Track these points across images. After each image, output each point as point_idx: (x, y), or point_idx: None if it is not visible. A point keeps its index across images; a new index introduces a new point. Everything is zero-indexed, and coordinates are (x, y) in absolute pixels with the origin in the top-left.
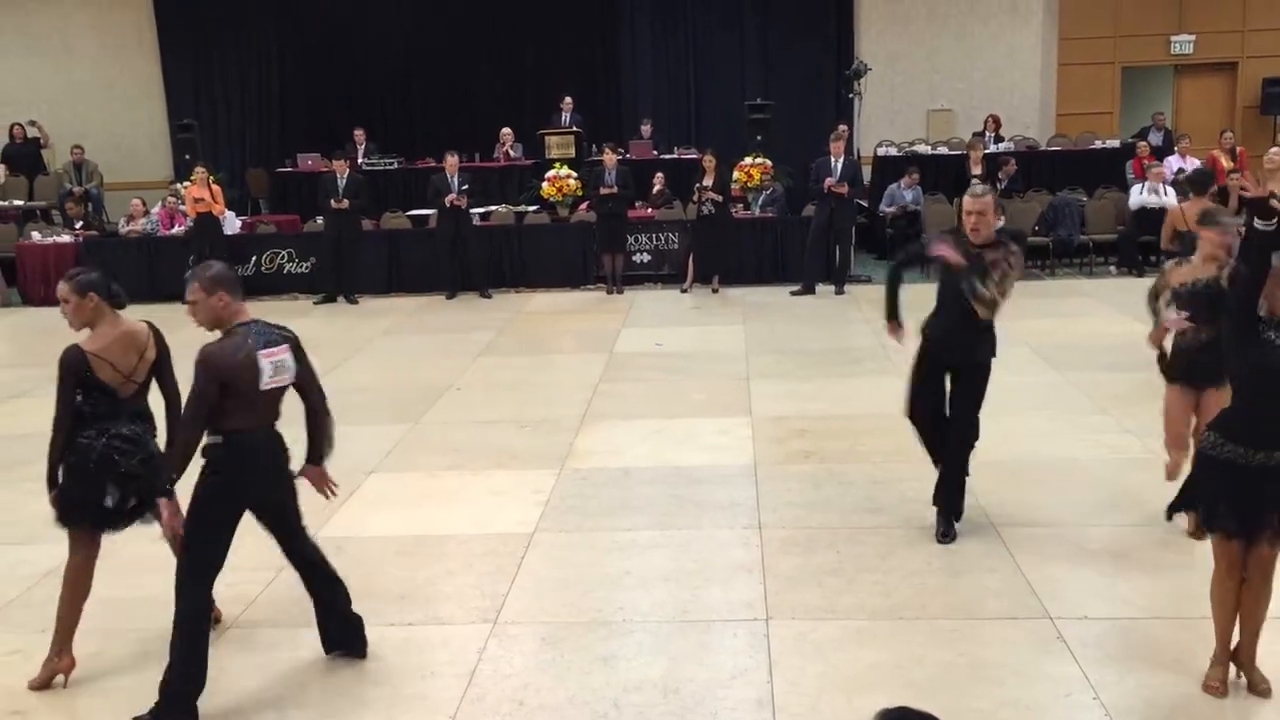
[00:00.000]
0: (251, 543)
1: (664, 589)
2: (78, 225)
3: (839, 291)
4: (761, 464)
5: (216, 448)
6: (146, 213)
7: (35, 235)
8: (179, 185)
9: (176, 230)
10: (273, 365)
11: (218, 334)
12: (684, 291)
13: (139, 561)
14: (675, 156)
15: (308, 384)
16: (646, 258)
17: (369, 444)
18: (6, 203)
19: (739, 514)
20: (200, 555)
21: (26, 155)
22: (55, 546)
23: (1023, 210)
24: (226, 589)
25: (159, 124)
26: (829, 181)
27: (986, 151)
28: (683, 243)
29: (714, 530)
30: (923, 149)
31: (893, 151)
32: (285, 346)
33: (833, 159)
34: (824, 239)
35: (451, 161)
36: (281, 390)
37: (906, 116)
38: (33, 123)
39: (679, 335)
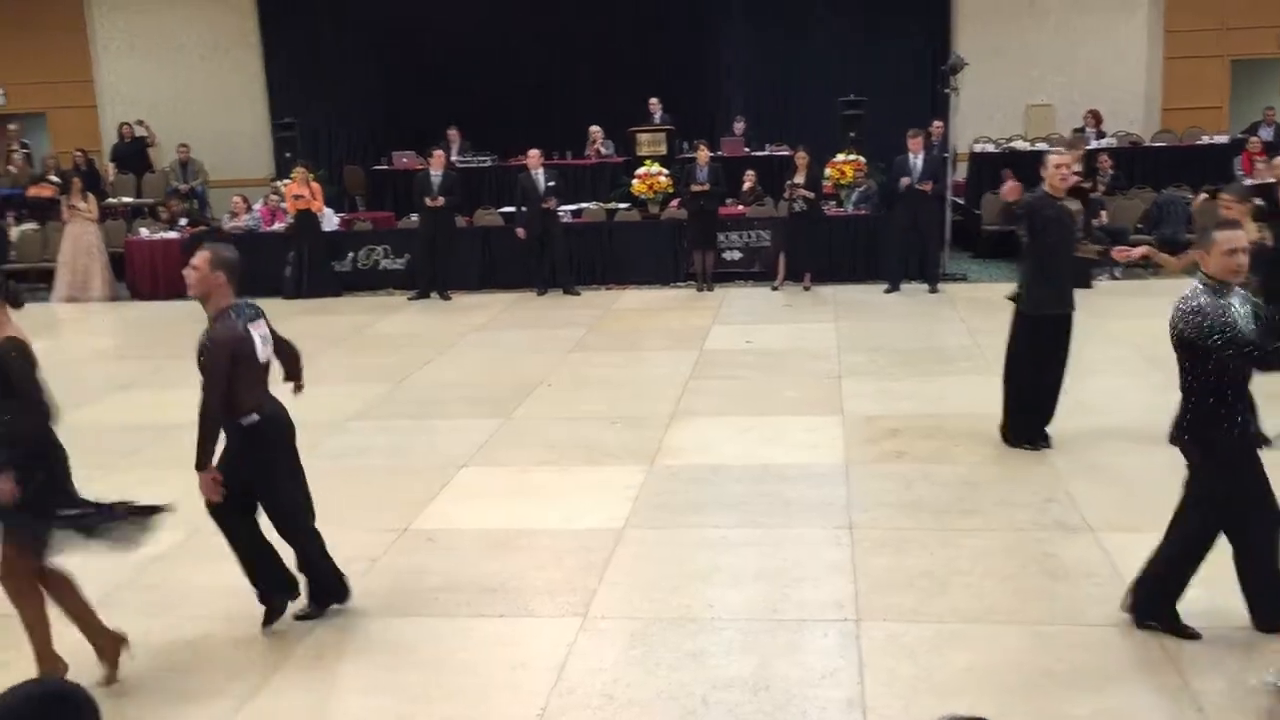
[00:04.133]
0: (348, 535)
1: (754, 587)
2: (181, 222)
3: (932, 290)
4: (852, 463)
5: (257, 426)
6: (248, 209)
7: (143, 232)
8: (279, 183)
9: (277, 226)
10: (260, 337)
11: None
12: (775, 289)
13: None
14: (767, 153)
15: (279, 341)
16: (737, 255)
17: (461, 438)
18: (116, 200)
19: (829, 513)
20: (297, 506)
21: (135, 154)
22: (163, 532)
23: (1125, 207)
24: None
25: (261, 123)
26: (905, 180)
27: (1089, 148)
28: (774, 240)
29: (804, 529)
30: (1021, 145)
31: (990, 148)
32: (262, 320)
33: (912, 156)
34: (906, 237)
35: (534, 156)
36: (269, 363)
37: (1004, 112)
38: (140, 122)
39: (770, 333)
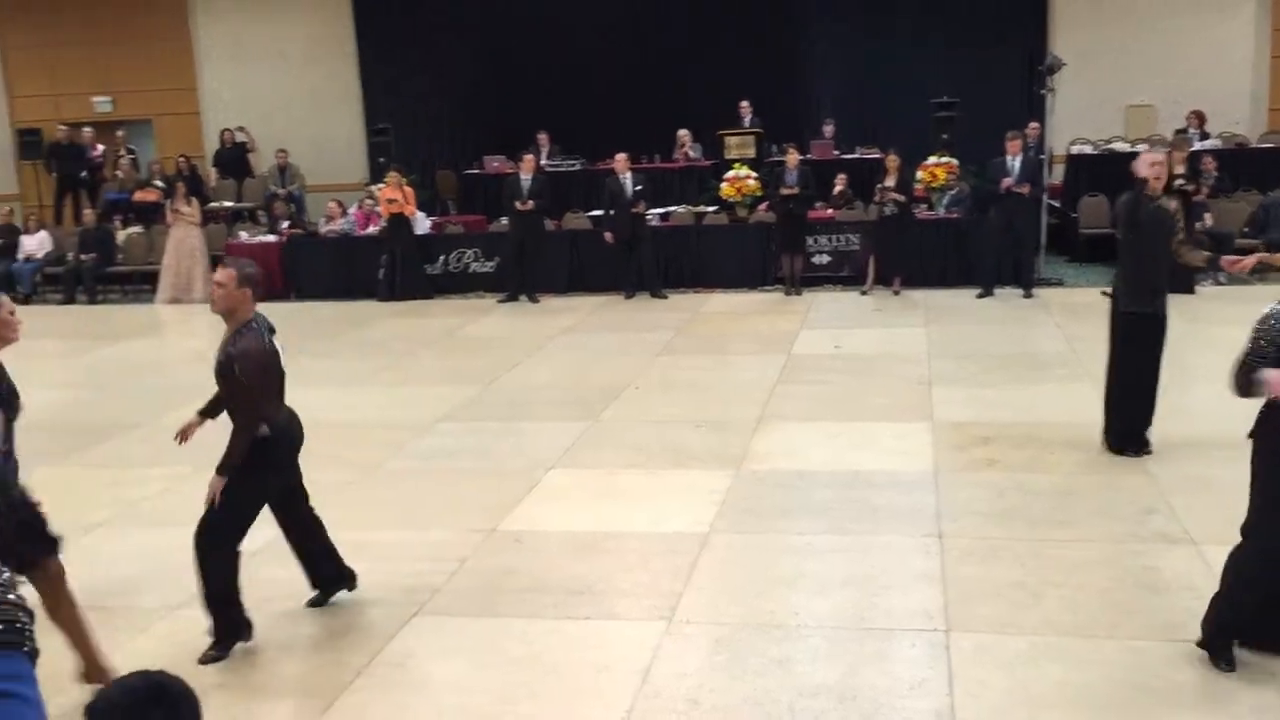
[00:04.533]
0: (437, 535)
1: (841, 594)
2: (282, 225)
3: (1027, 295)
4: (942, 470)
5: (266, 441)
6: (343, 213)
7: (243, 235)
8: (374, 187)
9: (371, 230)
10: (280, 348)
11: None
12: (864, 293)
13: None
14: (857, 156)
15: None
16: (826, 259)
17: (549, 440)
18: (217, 204)
19: (919, 521)
20: (237, 526)
21: (235, 159)
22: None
23: (1230, 210)
24: (414, 578)
25: (356, 129)
26: (1006, 182)
27: (1191, 149)
28: (864, 244)
29: (892, 536)
30: (1120, 146)
31: (1088, 150)
32: (274, 332)
33: (1009, 158)
34: (1001, 241)
35: (622, 160)
36: (284, 375)
37: (1103, 113)
38: (241, 129)
39: (859, 337)
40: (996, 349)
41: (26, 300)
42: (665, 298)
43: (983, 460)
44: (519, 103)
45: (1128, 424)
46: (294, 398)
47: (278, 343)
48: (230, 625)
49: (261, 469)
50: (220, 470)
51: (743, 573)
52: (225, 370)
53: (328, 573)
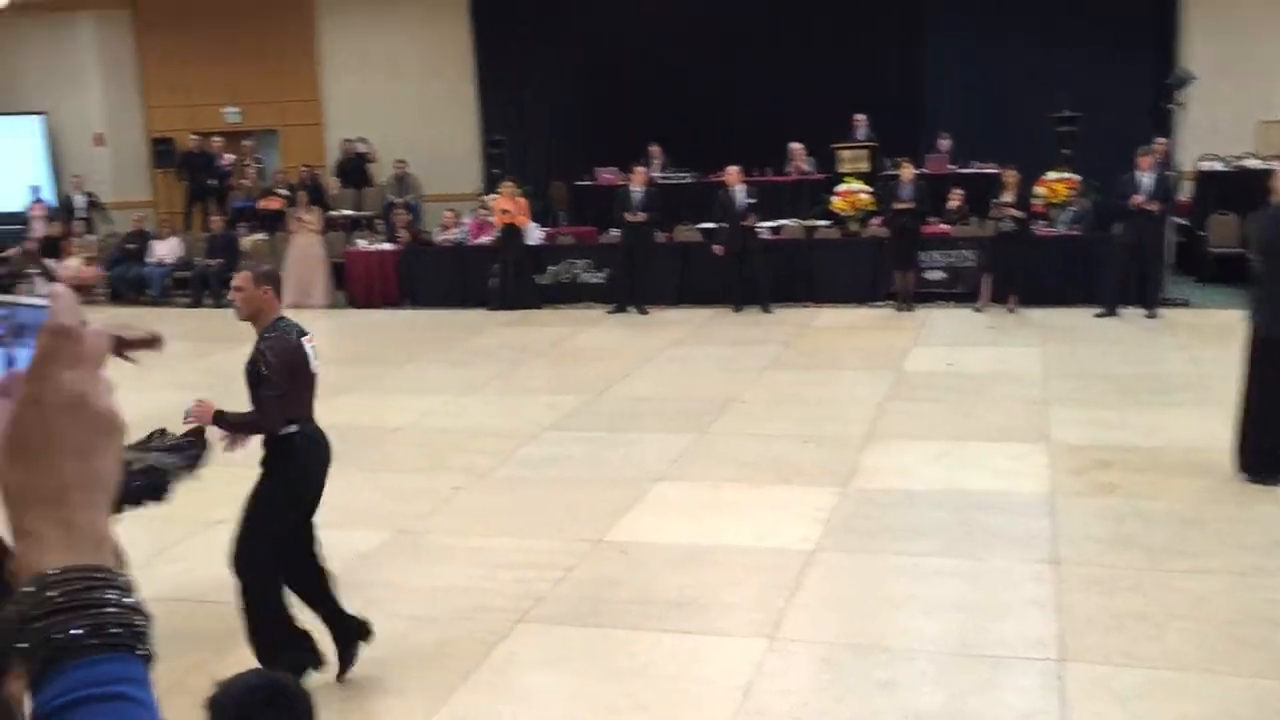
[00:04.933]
0: (543, 543)
1: (950, 618)
2: (399, 234)
3: (1150, 315)
4: (1058, 494)
5: (292, 438)
6: (458, 223)
7: (361, 243)
8: (488, 197)
9: (484, 240)
10: (312, 349)
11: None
12: (978, 310)
13: None
14: (974, 170)
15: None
16: (940, 275)
17: (655, 452)
18: (338, 213)
19: (1032, 545)
20: (275, 539)
21: (356, 169)
22: (372, 532)
23: None
24: (521, 585)
25: (472, 140)
26: (1137, 198)
27: None
28: (979, 260)
29: (1005, 561)
30: (1252, 163)
31: (1218, 166)
32: (311, 335)
33: (1140, 174)
34: (1130, 258)
35: (733, 173)
36: (316, 377)
37: (1233, 128)
38: (362, 139)
39: (972, 356)
40: (1118, 370)
41: (156, 303)
42: (775, 312)
43: (1102, 485)
44: (631, 115)
45: (1263, 452)
46: (408, 404)
47: (309, 346)
48: (291, 661)
49: (291, 476)
50: (219, 418)
51: (848, 592)
52: (252, 369)
53: (344, 634)
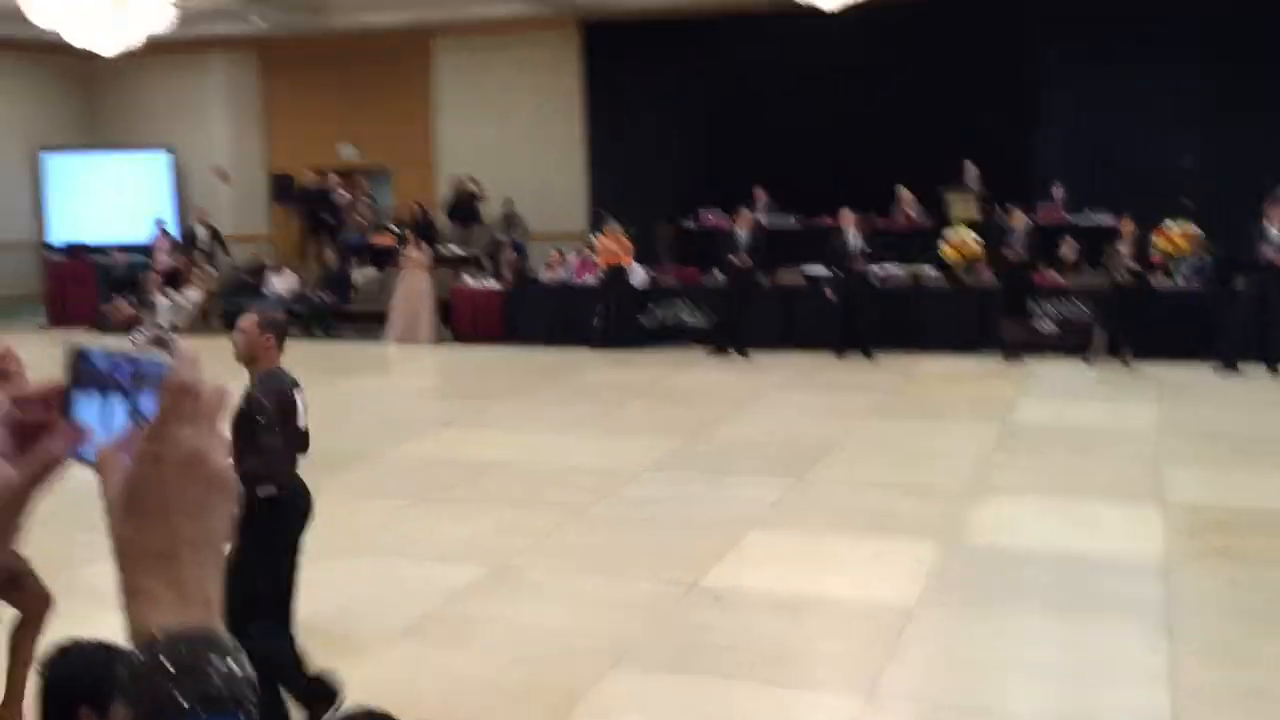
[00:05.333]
0: (637, 585)
1: (1054, 684)
2: (506, 272)
3: (1274, 371)
4: (1172, 557)
5: (275, 500)
6: (563, 262)
7: (468, 280)
8: (593, 237)
9: (588, 279)
10: (302, 403)
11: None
12: (1090, 364)
13: None
14: (1089, 220)
15: None
16: (1051, 326)
17: (753, 496)
18: (446, 250)
19: (1145, 611)
20: (264, 602)
21: (465, 207)
22: (469, 566)
23: None
24: (615, 626)
25: (579, 180)
26: (1267, 251)
27: None
28: (1092, 312)
29: (1114, 626)
30: None
31: None
32: (302, 389)
33: (1268, 225)
34: (1254, 312)
35: (847, 216)
36: (306, 434)
37: None
38: (472, 179)
39: (1083, 410)
40: (1238, 429)
41: None
42: (878, 358)
43: (1218, 549)
44: (738, 157)
45: None
46: (509, 439)
47: (301, 400)
48: (310, 695)
49: (271, 531)
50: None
51: (949, 651)
52: (246, 419)
53: (315, 692)
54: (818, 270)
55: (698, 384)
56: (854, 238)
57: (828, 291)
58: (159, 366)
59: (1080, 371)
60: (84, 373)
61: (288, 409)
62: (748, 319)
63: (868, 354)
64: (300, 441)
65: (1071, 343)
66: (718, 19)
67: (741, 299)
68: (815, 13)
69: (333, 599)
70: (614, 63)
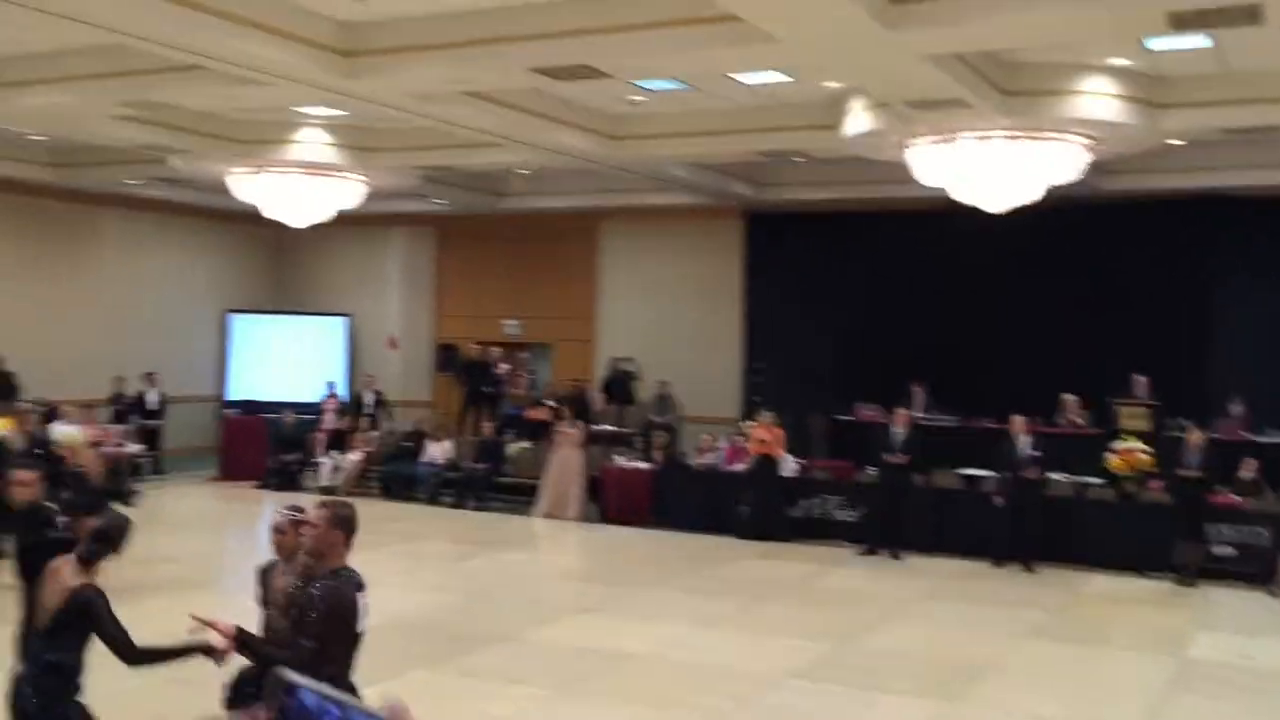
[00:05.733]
0: None
1: None
2: (656, 454)
3: None
4: None
5: None
6: (714, 447)
7: (619, 460)
8: (745, 424)
9: (738, 466)
10: (363, 607)
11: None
12: (1274, 595)
13: None
14: (1271, 440)
15: None
16: (1229, 550)
17: (899, 716)
18: (600, 427)
19: None
20: None
21: (621, 386)
22: None
23: None
24: None
25: (735, 366)
26: None
27: None
28: (1275, 538)
29: None
30: None
31: None
32: (367, 590)
33: None
34: None
35: (1019, 422)
36: (361, 637)
37: None
38: (629, 359)
39: (1268, 648)
40: None
41: (424, 501)
42: (1034, 572)
43: None
44: (896, 352)
45: None
46: (648, 630)
47: (364, 602)
48: None
49: None
50: (241, 641)
51: None
52: (298, 608)
53: None
54: (977, 473)
55: (846, 585)
56: (1025, 443)
57: (995, 498)
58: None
59: (1263, 603)
60: (291, 709)
61: (348, 614)
62: (901, 519)
63: (1028, 567)
64: (355, 643)
65: (1251, 570)
66: (880, 212)
67: (895, 498)
68: (980, 213)
69: None
70: (775, 252)
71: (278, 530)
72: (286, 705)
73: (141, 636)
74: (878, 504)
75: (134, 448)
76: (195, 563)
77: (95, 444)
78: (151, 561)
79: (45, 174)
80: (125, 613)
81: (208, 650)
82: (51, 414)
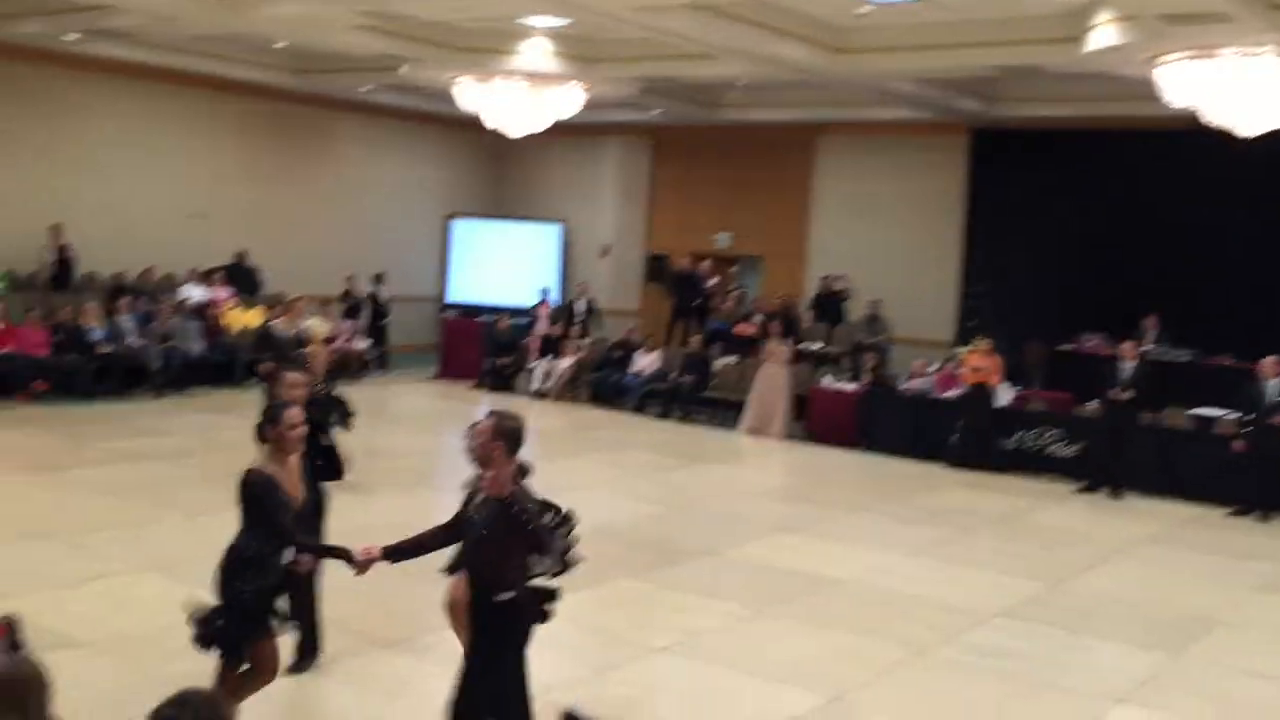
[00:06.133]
0: None
1: None
2: (864, 375)
3: None
4: None
5: (513, 601)
6: (925, 372)
7: (826, 380)
8: (960, 350)
9: (950, 393)
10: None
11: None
12: None
13: None
14: None
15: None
16: None
17: (1118, 666)
18: (808, 346)
19: None
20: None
21: (831, 304)
22: (805, 693)
23: None
24: None
25: (951, 287)
26: None
27: None
28: None
29: None
30: None
31: None
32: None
33: None
34: None
35: (1270, 364)
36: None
37: None
38: (840, 276)
39: None
40: None
41: (630, 411)
42: (1274, 522)
43: None
44: (1128, 281)
45: None
46: (852, 555)
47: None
48: None
49: (511, 640)
50: (394, 555)
51: None
52: (506, 523)
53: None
54: (1211, 414)
55: (1061, 523)
56: (1274, 387)
57: (1235, 442)
58: None
59: None
60: None
61: (514, 531)
62: (1124, 458)
63: (1265, 516)
64: (523, 555)
65: None
66: (1118, 132)
67: (1118, 435)
68: (1228, 136)
69: (671, 704)
70: (1001, 170)
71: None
72: None
73: (370, 528)
74: (1099, 440)
75: (363, 344)
76: (419, 459)
77: (330, 340)
78: (378, 455)
79: (287, 79)
80: (354, 505)
81: (350, 558)
82: (288, 309)
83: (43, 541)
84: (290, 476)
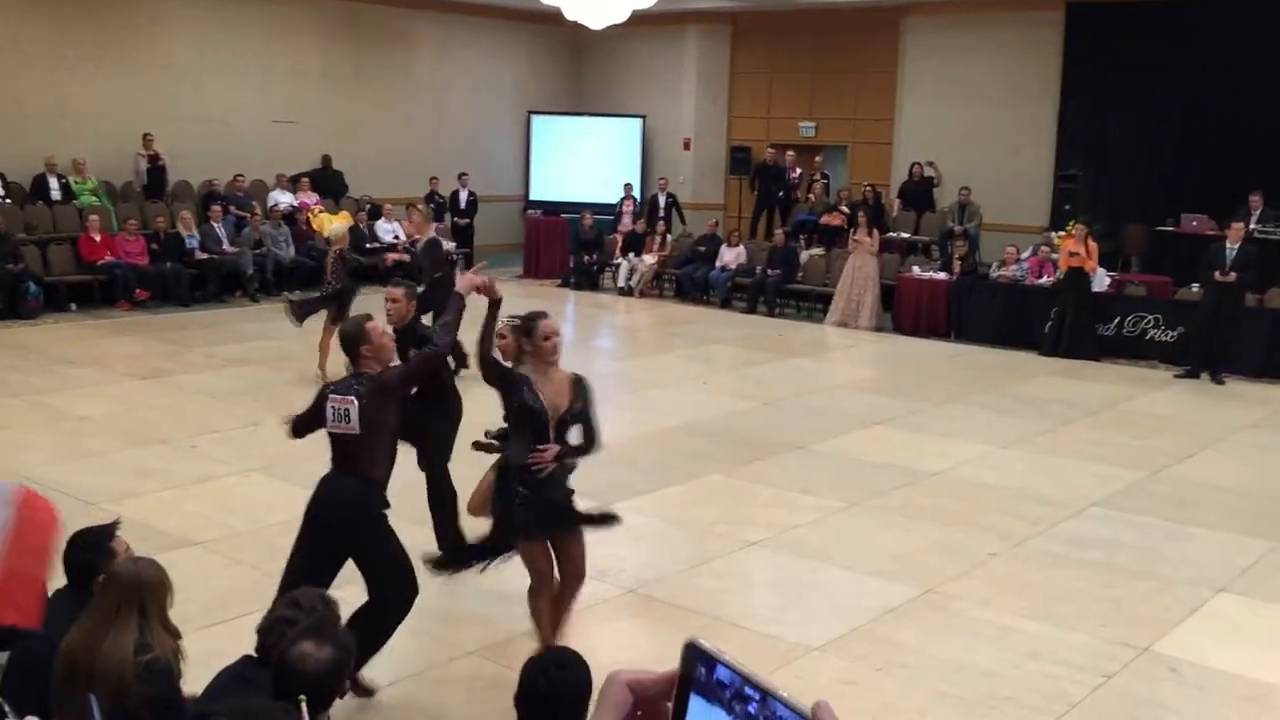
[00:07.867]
0: (1076, 639)
1: None
2: (955, 263)
3: None
4: None
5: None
6: (1018, 259)
7: (915, 269)
8: (1054, 235)
9: (1044, 280)
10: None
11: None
12: None
13: None
14: None
15: None
16: None
17: (1221, 554)
18: (896, 235)
19: None
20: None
21: (920, 192)
22: (898, 585)
23: None
24: (1051, 683)
25: (1044, 171)
26: None
27: None
28: None
29: None
30: None
31: None
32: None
33: None
34: None
35: None
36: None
37: None
38: (930, 163)
39: None
40: None
41: (716, 305)
42: None
43: None
44: (1232, 158)
45: None
46: (945, 448)
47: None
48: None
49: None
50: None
51: None
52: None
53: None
54: None
55: (1160, 410)
56: None
57: None
58: (792, 715)
59: None
60: (706, 683)
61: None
62: (1227, 342)
63: None
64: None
65: None
66: (1225, 5)
67: (1221, 319)
68: None
69: (763, 597)
70: (1098, 47)
71: (499, 335)
72: (702, 680)
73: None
74: (1201, 324)
75: (449, 245)
76: None
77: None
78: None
79: None
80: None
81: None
82: (376, 211)
83: (156, 446)
84: (552, 385)
